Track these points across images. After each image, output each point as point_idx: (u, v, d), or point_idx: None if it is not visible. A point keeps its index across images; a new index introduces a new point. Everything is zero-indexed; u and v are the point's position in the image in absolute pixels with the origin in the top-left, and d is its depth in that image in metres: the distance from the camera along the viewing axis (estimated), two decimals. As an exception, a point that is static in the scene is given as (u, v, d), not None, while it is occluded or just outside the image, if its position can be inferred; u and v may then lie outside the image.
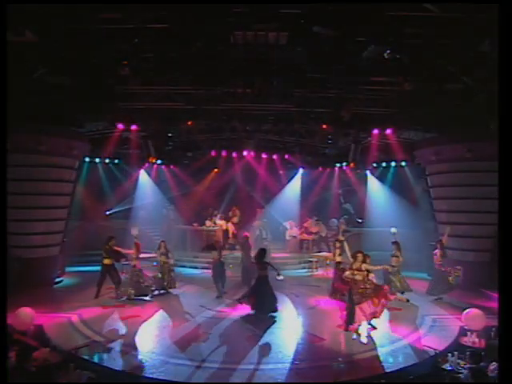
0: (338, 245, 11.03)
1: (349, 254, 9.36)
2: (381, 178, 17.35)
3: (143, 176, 17.51)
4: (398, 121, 11.72)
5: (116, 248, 10.71)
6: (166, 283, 11.07)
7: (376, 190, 17.46)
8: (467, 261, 12.08)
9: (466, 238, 12.13)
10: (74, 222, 13.61)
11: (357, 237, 16.18)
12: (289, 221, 17.01)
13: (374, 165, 16.32)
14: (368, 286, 8.14)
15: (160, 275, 11.04)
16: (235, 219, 17.06)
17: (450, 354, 6.45)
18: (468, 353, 6.40)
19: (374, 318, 8.12)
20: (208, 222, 16.94)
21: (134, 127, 12.04)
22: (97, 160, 15.85)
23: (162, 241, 11.66)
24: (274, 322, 8.84)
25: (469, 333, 7.48)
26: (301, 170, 19.05)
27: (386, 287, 8.72)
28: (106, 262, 10.52)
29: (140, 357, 6.85)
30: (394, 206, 16.50)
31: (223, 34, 7.28)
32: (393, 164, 16.16)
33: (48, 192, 11.66)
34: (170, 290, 11.19)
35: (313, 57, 8.07)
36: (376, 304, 8.05)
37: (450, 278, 10.65)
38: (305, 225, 16.78)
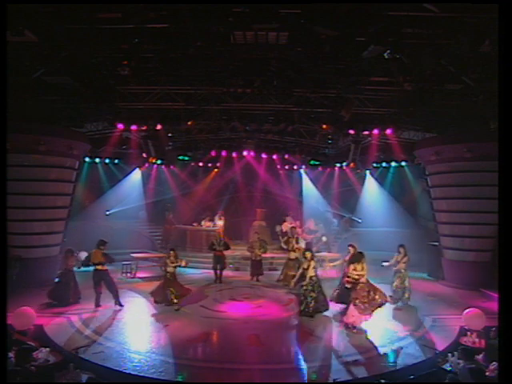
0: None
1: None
2: (381, 178, 17.38)
3: (134, 177, 17.50)
4: (398, 121, 11.72)
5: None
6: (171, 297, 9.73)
7: (375, 190, 17.49)
8: (467, 261, 12.10)
9: (466, 238, 12.14)
10: (74, 222, 13.61)
11: (356, 237, 16.20)
12: (288, 219, 16.95)
13: (374, 165, 16.32)
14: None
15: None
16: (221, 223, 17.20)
17: (449, 354, 6.45)
18: (460, 350, 6.40)
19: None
20: (207, 223, 16.96)
21: (133, 127, 12.04)
22: (97, 160, 15.84)
23: (172, 249, 10.43)
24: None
25: (469, 333, 7.48)
26: (302, 171, 19.04)
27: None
28: (100, 267, 9.63)
29: (140, 357, 6.84)
30: (394, 206, 16.54)
31: (223, 34, 7.28)
32: (393, 164, 16.15)
33: (48, 192, 11.67)
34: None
35: (313, 57, 8.07)
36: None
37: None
38: (307, 225, 16.77)
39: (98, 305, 9.63)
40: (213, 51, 7.92)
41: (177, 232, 17.45)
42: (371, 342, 7.66)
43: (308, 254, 9.46)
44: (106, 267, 9.76)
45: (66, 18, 6.46)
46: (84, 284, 10.56)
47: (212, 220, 17.09)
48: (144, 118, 11.66)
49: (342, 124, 11.28)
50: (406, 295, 10.14)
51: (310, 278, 9.28)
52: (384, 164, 16.42)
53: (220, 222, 16.92)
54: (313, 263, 9.35)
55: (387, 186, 17.14)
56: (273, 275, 13.25)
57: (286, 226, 15.74)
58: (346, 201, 18.18)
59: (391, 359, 6.99)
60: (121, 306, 9.70)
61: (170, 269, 9.94)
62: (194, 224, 17.24)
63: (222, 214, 17.55)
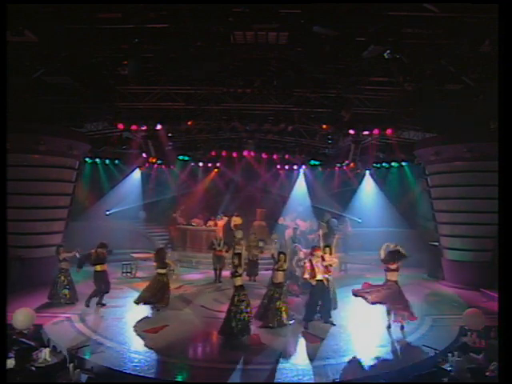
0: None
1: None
2: (381, 178, 17.38)
3: (134, 177, 17.53)
4: (398, 121, 11.73)
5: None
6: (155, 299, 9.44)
7: (375, 190, 17.49)
8: (467, 261, 12.10)
9: (466, 238, 12.14)
10: (74, 222, 13.61)
11: (356, 237, 16.20)
12: (288, 218, 16.89)
13: (375, 165, 16.33)
14: None
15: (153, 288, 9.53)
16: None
17: (450, 354, 6.46)
18: (459, 346, 6.41)
19: None
20: (209, 222, 16.95)
21: (134, 127, 12.04)
22: (97, 160, 15.85)
23: (160, 249, 10.32)
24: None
25: (469, 333, 7.49)
26: (301, 171, 19.04)
27: None
28: (98, 268, 9.67)
29: (140, 357, 6.84)
30: (394, 205, 16.53)
31: (223, 33, 7.29)
32: (393, 164, 16.15)
33: (48, 192, 11.67)
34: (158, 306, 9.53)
35: (313, 57, 8.08)
36: None
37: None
38: (308, 224, 16.69)
39: (100, 303, 9.68)
40: (213, 51, 7.92)
41: (178, 232, 17.42)
42: (371, 342, 7.66)
43: (236, 261, 8.02)
44: (99, 268, 9.68)
45: (66, 17, 6.47)
46: (84, 283, 10.56)
47: (213, 220, 17.05)
48: (144, 117, 11.67)
49: (342, 124, 11.29)
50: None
51: (236, 288, 7.98)
52: (384, 164, 16.44)
53: (221, 222, 16.89)
54: (240, 270, 8.05)
55: (388, 186, 17.13)
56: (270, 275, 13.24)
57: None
58: (346, 201, 18.17)
59: (391, 359, 6.98)
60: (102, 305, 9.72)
61: (160, 270, 9.60)
62: (194, 224, 17.23)
63: (206, 215, 17.42)
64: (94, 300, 9.75)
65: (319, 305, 8.62)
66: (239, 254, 8.39)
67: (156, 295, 9.43)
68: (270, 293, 8.58)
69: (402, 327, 8.21)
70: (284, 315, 8.34)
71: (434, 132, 12.42)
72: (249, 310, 7.87)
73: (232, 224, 16.65)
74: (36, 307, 8.77)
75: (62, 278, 9.89)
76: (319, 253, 8.67)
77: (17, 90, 8.28)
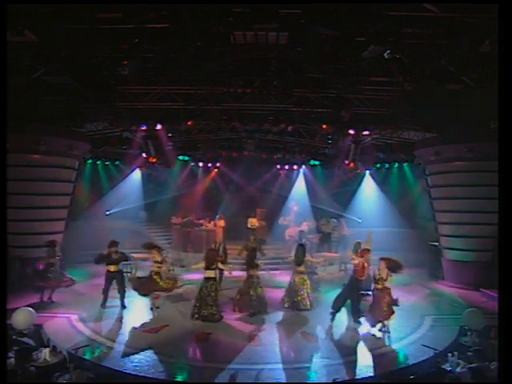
0: None
1: None
2: (381, 178, 17.37)
3: (134, 177, 17.58)
4: (398, 121, 11.73)
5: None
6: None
7: (375, 190, 17.48)
8: (468, 261, 12.11)
9: (466, 238, 12.15)
10: (74, 222, 13.61)
11: (355, 237, 16.17)
12: (289, 218, 16.88)
13: (375, 165, 16.31)
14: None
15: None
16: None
17: (449, 354, 6.46)
18: (470, 352, 6.42)
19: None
20: (208, 223, 16.93)
21: (134, 127, 12.03)
22: (97, 161, 15.85)
23: (156, 246, 10.39)
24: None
25: (469, 333, 7.49)
26: (301, 170, 19.03)
27: None
28: (112, 268, 9.63)
29: (140, 357, 6.84)
30: (394, 205, 16.53)
31: (223, 34, 7.29)
32: (393, 164, 16.15)
33: (48, 192, 11.68)
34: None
35: (313, 57, 8.08)
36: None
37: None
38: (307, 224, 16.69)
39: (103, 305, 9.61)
40: (213, 51, 7.92)
41: (180, 232, 17.35)
42: (371, 342, 7.66)
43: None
44: (112, 268, 9.67)
45: (66, 17, 6.48)
46: (84, 283, 10.56)
47: (212, 220, 17.05)
48: (144, 117, 11.67)
49: (342, 124, 11.30)
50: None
51: (205, 279, 9.20)
52: (384, 164, 16.45)
53: (220, 223, 16.88)
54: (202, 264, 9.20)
55: (388, 186, 17.13)
56: (269, 275, 13.24)
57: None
58: (346, 201, 18.16)
59: (391, 359, 6.98)
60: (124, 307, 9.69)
61: (154, 268, 9.67)
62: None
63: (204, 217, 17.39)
64: (92, 300, 9.72)
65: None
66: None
67: None
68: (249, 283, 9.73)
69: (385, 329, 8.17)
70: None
71: (434, 132, 12.43)
72: (214, 306, 8.93)
73: (248, 224, 16.69)
74: (36, 307, 8.77)
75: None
76: (368, 255, 9.19)
77: (17, 90, 8.28)
